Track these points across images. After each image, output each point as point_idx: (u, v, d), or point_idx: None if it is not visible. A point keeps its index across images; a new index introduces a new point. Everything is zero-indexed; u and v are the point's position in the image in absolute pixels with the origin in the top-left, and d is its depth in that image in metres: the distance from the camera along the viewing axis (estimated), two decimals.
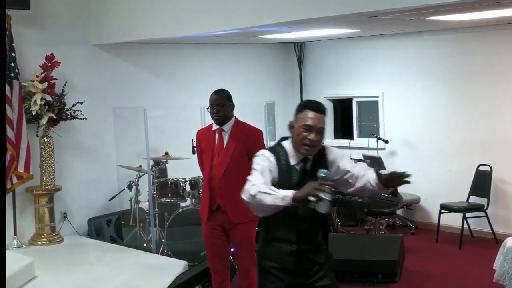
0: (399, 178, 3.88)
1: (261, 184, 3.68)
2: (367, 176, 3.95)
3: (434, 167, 9.48)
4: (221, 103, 5.59)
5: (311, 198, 3.55)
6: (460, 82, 9.19)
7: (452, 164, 9.29)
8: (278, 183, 3.78)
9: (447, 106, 9.33)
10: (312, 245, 3.96)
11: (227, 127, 5.60)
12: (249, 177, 3.80)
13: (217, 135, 5.62)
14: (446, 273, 7.49)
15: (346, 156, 4.08)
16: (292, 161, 3.87)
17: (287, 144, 3.93)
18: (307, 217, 3.85)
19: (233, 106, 5.65)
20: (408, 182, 3.84)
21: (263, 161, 3.83)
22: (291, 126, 3.93)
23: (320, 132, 3.85)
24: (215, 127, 5.68)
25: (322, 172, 3.70)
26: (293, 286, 3.92)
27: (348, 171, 3.97)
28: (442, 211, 8.75)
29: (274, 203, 3.61)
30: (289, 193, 3.60)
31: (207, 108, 5.67)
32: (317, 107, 3.91)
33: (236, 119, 5.68)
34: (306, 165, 3.89)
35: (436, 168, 9.45)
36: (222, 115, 5.58)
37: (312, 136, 3.81)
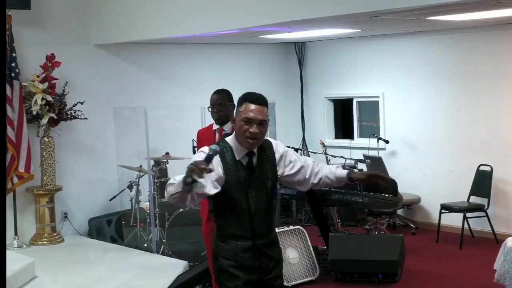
0: (375, 177, 3.97)
1: (175, 178, 3.57)
2: (323, 171, 4.02)
3: (434, 167, 9.48)
4: (222, 102, 5.60)
5: (187, 180, 3.42)
6: (460, 82, 9.19)
7: (453, 164, 9.29)
8: (226, 180, 3.73)
9: (448, 106, 9.33)
10: (267, 240, 3.90)
11: (228, 127, 5.61)
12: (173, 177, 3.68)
13: (217, 135, 5.63)
14: (447, 273, 7.49)
15: (293, 151, 4.07)
16: (237, 156, 3.80)
17: (230, 140, 3.86)
18: (259, 210, 3.82)
19: (233, 106, 5.64)
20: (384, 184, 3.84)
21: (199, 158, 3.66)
22: (233, 121, 3.87)
23: (262, 124, 3.78)
24: (215, 127, 5.69)
25: (211, 149, 3.56)
26: (251, 283, 3.85)
27: (302, 167, 3.97)
28: (443, 211, 8.74)
29: (175, 190, 3.50)
30: (181, 177, 3.49)
31: (208, 108, 5.67)
32: (257, 99, 3.83)
33: None
34: (252, 159, 3.83)
35: (437, 168, 9.45)
36: (223, 115, 5.59)
37: (253, 128, 3.74)
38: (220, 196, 3.74)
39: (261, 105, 3.80)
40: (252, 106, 3.78)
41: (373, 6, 5.83)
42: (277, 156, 3.93)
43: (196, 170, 3.39)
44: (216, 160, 3.70)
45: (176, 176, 3.58)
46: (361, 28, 8.59)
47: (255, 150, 3.84)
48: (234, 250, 3.84)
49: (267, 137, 3.95)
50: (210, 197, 3.72)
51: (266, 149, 3.90)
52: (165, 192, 3.64)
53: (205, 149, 3.71)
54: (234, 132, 3.87)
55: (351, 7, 5.97)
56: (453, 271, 7.56)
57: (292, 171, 3.96)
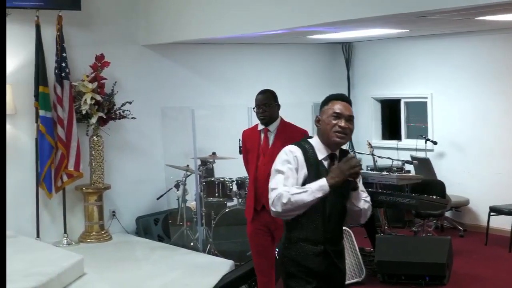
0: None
1: (287, 189, 3.58)
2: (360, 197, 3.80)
3: (483, 169, 9.36)
4: (267, 102, 5.59)
5: (356, 186, 3.55)
6: (508, 82, 9.04)
7: (502, 166, 9.15)
8: (308, 179, 3.65)
9: (497, 106, 9.19)
10: (337, 248, 3.82)
11: (273, 127, 5.59)
12: (271, 185, 3.68)
13: (262, 135, 5.62)
14: (495, 276, 7.38)
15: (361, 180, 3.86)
16: (320, 156, 3.73)
17: (313, 140, 3.80)
18: (333, 213, 3.71)
19: (279, 106, 5.65)
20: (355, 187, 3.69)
21: (288, 161, 3.69)
22: (317, 121, 3.79)
23: (350, 120, 3.72)
24: (260, 127, 5.67)
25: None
26: None
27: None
28: (492, 213, 8.62)
29: (314, 197, 3.53)
30: (323, 181, 3.54)
31: (253, 108, 5.67)
32: (343, 97, 3.80)
33: (282, 120, 5.66)
34: (334, 162, 3.74)
35: (485, 170, 9.32)
36: (268, 115, 5.57)
37: (342, 123, 3.68)
38: None
39: (347, 102, 3.77)
40: (339, 103, 3.75)
41: (421, 6, 5.77)
42: None
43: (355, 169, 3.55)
44: (301, 160, 3.70)
45: (290, 188, 3.58)
46: (408, 28, 8.52)
47: (337, 152, 3.78)
48: (304, 254, 3.75)
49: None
50: None
51: (343, 155, 3.78)
52: (281, 205, 3.57)
53: (292, 148, 3.74)
54: (316, 135, 3.83)
55: (398, 7, 5.92)
56: (502, 274, 7.45)
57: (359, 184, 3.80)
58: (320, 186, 3.55)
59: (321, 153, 3.74)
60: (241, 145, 6.22)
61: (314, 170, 3.69)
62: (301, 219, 3.69)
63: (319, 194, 3.55)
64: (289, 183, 3.64)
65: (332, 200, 3.67)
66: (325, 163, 3.73)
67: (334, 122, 3.69)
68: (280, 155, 3.77)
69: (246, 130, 6.01)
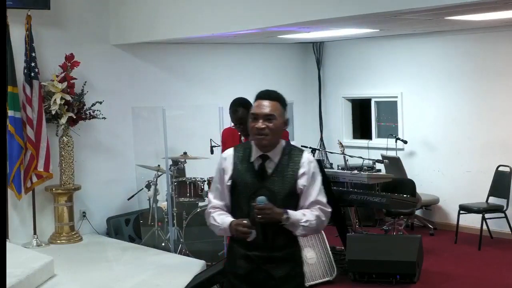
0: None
1: (211, 211, 3.73)
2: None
3: (453, 168, 9.43)
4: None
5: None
6: (479, 82, 9.13)
7: (472, 165, 9.24)
8: (234, 181, 3.67)
9: (467, 106, 9.28)
10: (268, 254, 3.62)
11: None
12: (209, 192, 3.88)
13: (243, 137, 5.64)
14: (465, 274, 7.45)
15: (319, 182, 3.70)
16: (253, 157, 3.67)
17: (253, 142, 3.73)
18: (260, 222, 3.55)
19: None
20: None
21: (218, 170, 3.76)
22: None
23: (269, 119, 3.59)
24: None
25: (259, 200, 3.50)
26: None
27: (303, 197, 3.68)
28: (461, 212, 8.69)
29: (222, 234, 3.73)
30: (227, 224, 3.62)
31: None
32: (264, 94, 3.68)
33: None
34: (265, 164, 3.65)
35: (455, 169, 9.40)
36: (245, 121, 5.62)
37: (258, 124, 3.59)
38: (231, 196, 3.71)
39: (268, 100, 3.65)
40: (258, 102, 3.66)
41: (392, 6, 5.81)
42: (300, 171, 3.65)
43: (243, 236, 3.53)
44: (228, 163, 3.70)
45: (213, 212, 3.71)
46: (379, 28, 8.57)
47: (271, 155, 3.66)
48: (233, 255, 3.74)
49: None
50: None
51: (293, 158, 3.67)
52: (208, 222, 3.77)
53: (227, 152, 3.76)
54: None
55: (369, 7, 5.95)
56: (472, 272, 7.52)
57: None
58: (225, 228, 3.64)
59: (255, 154, 3.69)
60: (213, 144, 6.22)
61: (243, 171, 3.67)
62: (235, 217, 3.70)
63: (228, 234, 3.67)
64: (217, 194, 3.75)
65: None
66: (256, 165, 3.67)
67: (252, 124, 3.65)
68: (219, 160, 3.83)
69: (226, 128, 6.01)
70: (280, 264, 3.65)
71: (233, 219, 3.62)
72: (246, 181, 3.64)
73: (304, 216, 3.61)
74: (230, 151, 3.76)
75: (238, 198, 3.66)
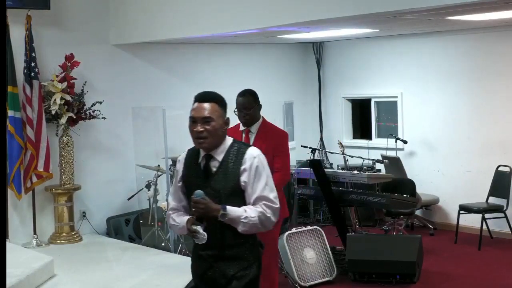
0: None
1: (170, 212, 3.85)
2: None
3: (453, 168, 9.44)
4: (248, 106, 5.61)
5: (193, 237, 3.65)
6: (479, 82, 9.14)
7: (472, 165, 9.24)
8: (184, 181, 3.81)
9: (467, 106, 9.28)
10: (218, 252, 3.67)
11: (254, 128, 5.66)
12: (169, 195, 3.99)
13: (243, 136, 5.65)
14: (465, 274, 7.45)
15: (264, 177, 3.67)
16: (200, 158, 3.75)
17: None
18: (209, 222, 3.61)
19: (260, 107, 5.70)
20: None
21: (176, 171, 3.91)
22: None
23: (207, 121, 3.64)
24: (242, 127, 5.71)
25: (196, 194, 3.57)
26: None
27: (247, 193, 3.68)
28: (461, 212, 8.70)
29: (181, 233, 3.91)
30: (184, 223, 3.71)
31: (234, 110, 5.61)
32: (201, 97, 3.71)
33: (264, 120, 5.73)
34: (209, 164, 3.70)
35: (455, 169, 9.41)
36: (250, 118, 5.62)
37: (198, 127, 3.65)
38: (186, 197, 3.81)
39: (205, 102, 3.67)
40: (195, 105, 3.71)
41: (392, 6, 5.80)
42: (242, 167, 3.66)
43: (191, 228, 3.61)
44: (180, 165, 3.83)
45: (172, 214, 3.84)
46: (379, 28, 8.57)
47: (215, 154, 3.69)
48: (193, 255, 3.88)
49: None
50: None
51: (238, 155, 3.69)
52: (168, 223, 3.91)
53: (183, 154, 3.87)
54: None
55: (369, 7, 5.95)
56: (472, 272, 7.52)
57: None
58: (183, 228, 3.73)
59: (201, 155, 3.76)
60: None
61: (192, 172, 3.77)
62: None
63: (184, 233, 3.75)
64: (175, 196, 3.87)
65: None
66: (202, 165, 3.73)
67: (191, 128, 3.71)
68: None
69: (228, 129, 6.00)
70: (231, 263, 3.69)
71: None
72: (193, 182, 3.73)
73: (245, 212, 3.61)
74: (183, 154, 3.88)
75: (189, 199, 3.70)
